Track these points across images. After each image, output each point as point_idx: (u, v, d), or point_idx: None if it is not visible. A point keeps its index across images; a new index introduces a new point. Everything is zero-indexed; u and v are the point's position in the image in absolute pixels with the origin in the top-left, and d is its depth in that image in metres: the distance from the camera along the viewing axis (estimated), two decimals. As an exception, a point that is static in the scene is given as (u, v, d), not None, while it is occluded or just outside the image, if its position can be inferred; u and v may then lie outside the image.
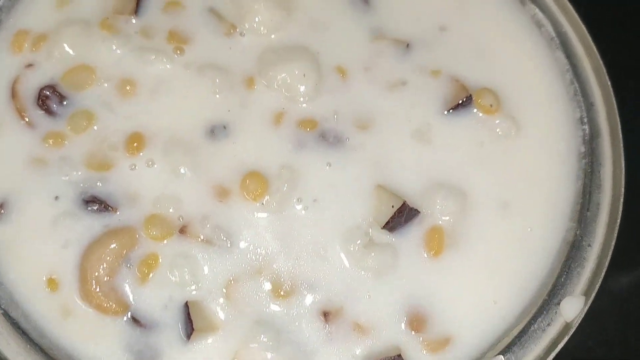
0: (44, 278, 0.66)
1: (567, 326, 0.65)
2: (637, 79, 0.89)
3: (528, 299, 0.68)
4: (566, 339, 0.64)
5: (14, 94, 0.74)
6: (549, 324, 0.66)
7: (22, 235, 0.68)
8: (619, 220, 0.69)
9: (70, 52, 0.76)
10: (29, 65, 0.76)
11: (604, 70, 0.77)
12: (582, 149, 0.75)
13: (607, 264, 0.67)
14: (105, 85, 0.75)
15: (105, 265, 0.65)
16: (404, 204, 0.68)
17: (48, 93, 0.73)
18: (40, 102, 0.73)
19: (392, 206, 0.69)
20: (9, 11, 0.79)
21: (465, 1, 0.84)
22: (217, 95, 0.75)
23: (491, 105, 0.76)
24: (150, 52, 0.77)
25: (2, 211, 0.68)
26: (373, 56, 0.80)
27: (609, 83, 0.76)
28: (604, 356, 0.80)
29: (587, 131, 0.76)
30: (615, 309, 0.85)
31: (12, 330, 0.63)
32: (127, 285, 0.66)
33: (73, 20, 0.78)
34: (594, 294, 0.66)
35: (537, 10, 0.83)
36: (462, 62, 0.80)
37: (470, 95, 0.76)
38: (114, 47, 0.76)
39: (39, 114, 0.73)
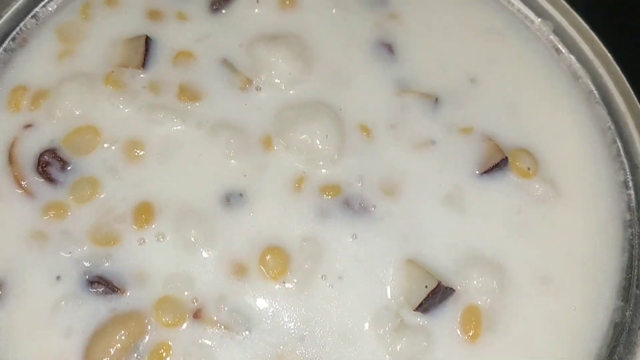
0: (45, 371, 0.61)
1: (619, 421, 0.61)
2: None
3: (575, 387, 0.64)
4: None
5: (11, 159, 0.68)
6: (599, 419, 0.61)
7: (21, 321, 0.61)
8: (671, 301, 0.64)
9: (73, 110, 0.70)
10: (28, 126, 0.70)
11: (649, 129, 0.73)
12: (628, 217, 0.70)
13: (661, 351, 0.62)
14: (111, 148, 0.69)
15: (111, 357, 0.59)
16: (439, 285, 0.62)
17: (49, 159, 0.67)
18: (40, 169, 0.67)
19: (426, 286, 0.63)
20: (6, 65, 0.73)
21: (496, 50, 0.78)
22: (232, 159, 0.69)
23: (529, 169, 0.71)
24: (160, 110, 0.71)
25: (0, 293, 0.63)
26: (399, 112, 0.74)
27: (655, 143, 0.72)
28: None
29: (632, 196, 0.70)
30: None
31: None
32: (136, 380, 0.61)
33: (76, 74, 0.72)
34: (647, 386, 0.61)
35: (573, 59, 0.78)
36: (495, 118, 0.74)
37: (506, 158, 0.70)
38: (121, 105, 0.70)
39: (38, 182, 0.67)
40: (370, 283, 0.65)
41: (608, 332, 0.65)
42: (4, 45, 0.74)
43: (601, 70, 0.76)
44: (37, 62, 0.74)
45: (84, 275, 0.63)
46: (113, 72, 0.72)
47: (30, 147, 0.69)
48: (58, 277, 0.63)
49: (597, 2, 1.05)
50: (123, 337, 0.60)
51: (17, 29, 0.75)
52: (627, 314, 0.65)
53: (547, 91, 0.76)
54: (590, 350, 0.64)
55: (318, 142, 0.70)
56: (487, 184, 0.71)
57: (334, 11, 0.79)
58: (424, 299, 0.63)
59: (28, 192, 0.66)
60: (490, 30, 0.80)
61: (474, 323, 0.64)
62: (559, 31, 0.79)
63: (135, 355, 0.60)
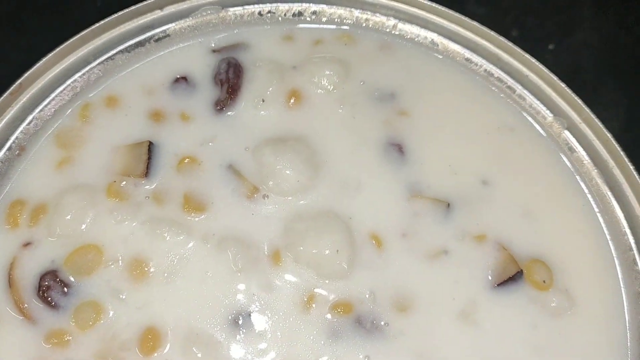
0: None
1: None
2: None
3: None
4: None
5: (11, 282, 0.69)
6: None
7: None
8: None
9: (74, 227, 0.72)
10: (27, 244, 0.71)
11: (666, 236, 0.75)
12: (646, 331, 0.74)
13: None
14: (115, 267, 0.71)
15: None
16: (457, 416, 0.66)
17: (49, 282, 0.68)
18: (41, 294, 0.68)
19: (443, 416, 0.66)
20: (3, 177, 0.75)
21: (508, 149, 0.81)
22: (240, 276, 0.71)
23: (544, 281, 0.74)
24: (164, 224, 0.73)
25: None
26: (411, 219, 0.76)
27: (673, 252, 0.75)
28: None
29: (650, 309, 0.74)
30: None
31: None
32: None
33: (76, 186, 0.75)
34: None
35: (587, 160, 0.81)
36: (508, 224, 0.77)
37: (521, 270, 0.73)
38: (125, 221, 0.72)
39: (40, 307, 0.68)
40: (385, 409, 0.67)
41: None
42: (0, 155, 0.75)
43: (615, 171, 0.79)
44: (35, 172, 0.75)
45: (89, 410, 0.65)
46: (115, 182, 0.75)
47: (30, 268, 0.70)
48: (62, 413, 0.65)
49: (599, 77, 1.10)
50: None
51: (14, 137, 0.76)
52: None
53: (560, 193, 0.79)
54: None
55: (328, 256, 0.72)
56: (501, 297, 0.73)
57: (340, 110, 0.81)
58: None
59: (29, 318, 0.68)
60: (501, 127, 0.83)
61: None
62: (572, 129, 0.82)
63: None
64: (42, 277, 0.69)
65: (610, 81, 1.15)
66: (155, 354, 0.67)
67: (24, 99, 0.77)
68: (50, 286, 0.69)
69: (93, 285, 0.70)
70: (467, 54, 0.86)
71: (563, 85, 0.82)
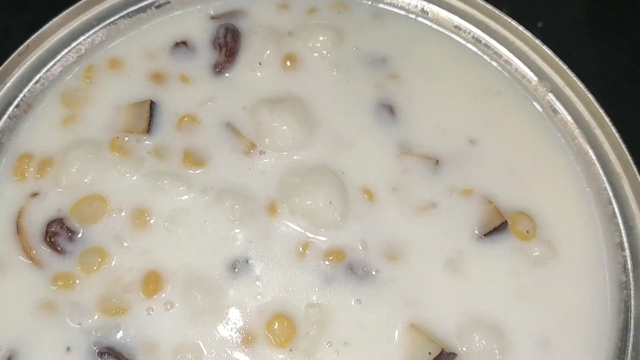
0: None
1: None
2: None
3: None
4: None
5: (19, 229, 0.75)
6: None
7: (32, 394, 0.69)
8: (666, 364, 0.72)
9: (79, 179, 0.77)
10: (34, 195, 0.77)
11: (644, 191, 0.81)
12: (623, 278, 0.78)
13: (656, 414, 0.70)
14: (118, 216, 0.76)
15: None
16: (442, 352, 0.70)
17: (56, 229, 0.74)
18: (48, 239, 0.74)
19: (429, 353, 0.71)
20: (11, 132, 0.81)
21: (494, 111, 0.87)
22: (238, 225, 0.77)
23: (527, 232, 0.79)
24: (165, 177, 0.78)
25: (11, 364, 0.70)
26: (401, 175, 0.82)
27: (650, 205, 0.80)
28: None
29: (627, 258, 0.79)
30: None
31: None
32: None
33: (80, 141, 0.80)
34: None
35: (570, 120, 0.87)
36: (494, 180, 0.83)
37: (506, 221, 0.79)
38: (127, 173, 0.78)
39: (46, 252, 0.74)
40: (374, 348, 0.73)
41: (606, 395, 0.72)
42: (8, 112, 0.81)
43: (597, 131, 0.85)
44: (41, 128, 0.81)
45: (93, 346, 0.70)
46: (118, 138, 0.80)
47: (38, 216, 0.76)
48: (68, 349, 0.70)
49: (586, 53, 1.16)
50: (135, 409, 0.67)
51: (21, 95, 0.82)
52: (623, 376, 0.73)
53: (544, 152, 0.85)
54: (589, 413, 0.72)
55: (322, 208, 0.77)
56: (487, 247, 0.78)
57: (334, 73, 0.87)
58: (428, 365, 0.70)
59: (36, 262, 0.73)
60: (488, 91, 0.88)
61: (476, 387, 0.71)
62: (556, 91, 0.87)
63: None
64: (49, 225, 0.75)
65: (597, 58, 1.20)
66: (157, 296, 0.73)
67: (31, 59, 0.83)
68: (57, 232, 0.74)
69: (97, 232, 0.76)
70: (456, 21, 0.91)
71: (548, 50, 0.88)
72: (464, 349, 0.73)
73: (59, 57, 0.84)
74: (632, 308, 0.76)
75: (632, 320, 0.76)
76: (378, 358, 0.72)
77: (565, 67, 0.87)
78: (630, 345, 0.75)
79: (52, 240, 0.74)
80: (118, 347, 0.70)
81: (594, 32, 1.24)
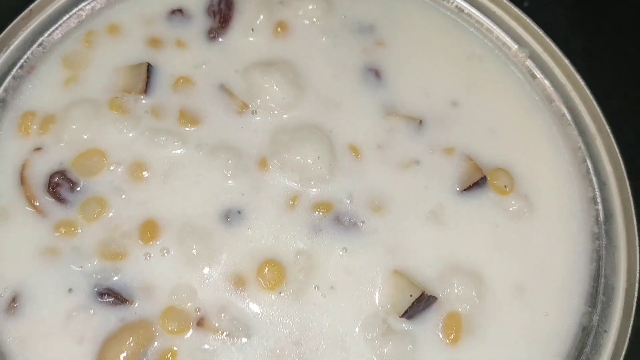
0: (60, 377, 0.73)
1: (586, 416, 0.73)
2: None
3: (546, 386, 0.76)
4: None
5: (22, 181, 0.80)
6: (568, 414, 0.74)
7: (36, 330, 0.74)
8: (634, 307, 0.77)
9: (80, 135, 0.83)
10: (37, 149, 0.82)
11: (617, 149, 0.86)
12: (595, 230, 0.84)
13: (624, 351, 0.75)
14: (117, 170, 0.81)
15: (122, 362, 0.72)
16: (423, 294, 0.75)
17: (58, 180, 0.79)
18: (51, 190, 0.79)
19: (410, 295, 0.76)
20: (15, 91, 0.86)
21: (476, 75, 0.93)
22: (230, 178, 0.82)
23: (505, 186, 0.85)
24: (161, 133, 0.84)
25: (16, 305, 0.74)
26: (386, 134, 0.88)
27: (622, 162, 0.85)
28: None
29: (600, 211, 0.85)
30: None
31: None
32: (145, 383, 0.73)
33: (81, 100, 0.86)
34: (611, 383, 0.74)
35: (547, 84, 0.92)
36: (475, 140, 0.88)
37: (485, 177, 0.84)
38: (125, 130, 0.83)
39: (49, 202, 0.79)
40: (359, 292, 0.78)
41: (577, 335, 0.78)
42: (12, 72, 0.86)
43: (573, 94, 0.90)
44: (44, 88, 0.86)
45: (94, 288, 0.75)
46: (117, 97, 0.85)
47: (41, 169, 0.81)
48: (70, 290, 0.75)
49: (570, 32, 1.22)
50: (132, 344, 0.72)
51: (25, 57, 0.87)
52: (594, 318, 0.78)
53: (523, 114, 0.91)
54: (561, 351, 0.77)
55: (310, 162, 0.83)
56: (467, 200, 0.84)
57: (324, 39, 0.92)
58: (409, 307, 0.76)
59: (40, 211, 0.79)
60: (470, 57, 0.94)
61: (454, 328, 0.77)
62: (534, 57, 0.93)
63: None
64: (52, 176, 0.80)
65: (581, 35, 1.26)
66: (153, 243, 0.78)
67: (34, 24, 0.89)
68: (59, 183, 0.79)
69: (97, 184, 0.81)
70: (440, -9, 0.97)
71: (526, 18, 0.93)
72: (444, 293, 0.78)
73: (60, 22, 0.90)
74: (603, 257, 0.82)
75: (603, 268, 0.81)
76: (362, 301, 0.77)
77: (542, 33, 0.92)
78: (601, 291, 0.80)
79: (55, 190, 0.79)
80: (117, 288, 0.75)
81: (579, 10, 1.30)
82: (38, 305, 0.75)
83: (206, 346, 0.74)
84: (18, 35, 0.87)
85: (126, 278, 0.76)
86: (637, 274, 0.78)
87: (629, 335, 0.75)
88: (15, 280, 0.76)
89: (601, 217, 0.84)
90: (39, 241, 0.78)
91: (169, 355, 0.73)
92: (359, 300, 0.78)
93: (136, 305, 0.75)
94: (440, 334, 0.77)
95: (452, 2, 0.97)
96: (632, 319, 0.75)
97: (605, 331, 0.77)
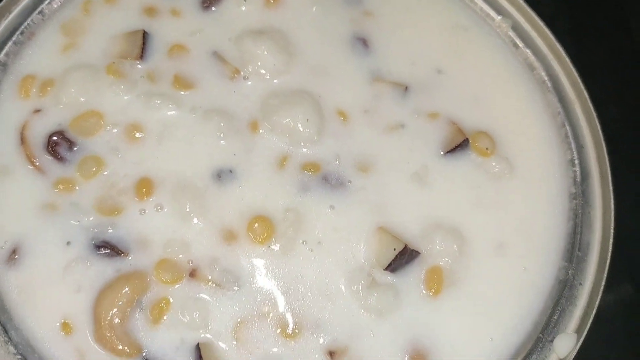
0: (59, 322, 0.76)
1: (560, 362, 0.77)
2: (626, 124, 1.03)
3: (523, 336, 0.80)
4: (560, 374, 0.76)
5: (23, 140, 0.84)
6: (543, 360, 0.78)
7: (35, 280, 0.77)
8: (608, 260, 0.80)
9: (78, 97, 0.86)
10: (37, 111, 0.86)
11: (594, 114, 0.89)
12: (573, 190, 0.88)
13: (597, 302, 0.78)
14: (113, 131, 0.85)
15: (117, 310, 0.75)
16: (406, 247, 0.79)
17: (57, 139, 0.83)
18: (50, 149, 0.83)
19: (394, 249, 0.80)
20: (16, 56, 0.89)
21: (460, 45, 0.96)
22: (223, 140, 0.86)
23: (487, 148, 0.88)
24: (157, 97, 0.87)
25: (16, 256, 0.78)
26: (373, 99, 0.91)
27: (599, 126, 0.89)
28: None
29: (577, 173, 0.88)
30: (598, 329, 0.98)
31: (30, 373, 0.73)
32: (140, 329, 0.76)
33: (79, 65, 0.89)
34: (585, 332, 0.77)
35: (529, 53, 0.96)
36: (459, 105, 0.92)
37: (467, 139, 0.88)
38: (121, 93, 0.87)
39: (48, 160, 0.83)
40: (345, 247, 0.81)
41: (553, 288, 0.82)
42: (13, 38, 0.90)
43: (554, 63, 0.94)
44: (43, 53, 0.90)
45: (91, 241, 0.79)
46: (114, 63, 0.89)
47: (40, 129, 0.85)
48: (68, 242, 0.79)
49: (564, 18, 1.25)
50: (127, 293, 0.76)
51: (25, 23, 0.91)
52: (569, 272, 0.82)
53: (505, 81, 0.94)
54: (538, 303, 0.81)
55: (300, 125, 0.86)
56: (450, 162, 0.88)
57: (314, 9, 0.96)
58: (393, 260, 0.79)
59: (39, 169, 0.82)
60: (455, 27, 0.97)
61: (436, 281, 0.80)
62: (517, 27, 0.96)
63: (139, 308, 0.76)
64: (51, 136, 0.83)
65: (568, 13, 1.29)
66: (148, 199, 0.81)
67: (33, -8, 0.92)
68: (58, 143, 0.83)
69: (95, 144, 0.84)
70: (427, -37, 1.01)
71: (509, -11, 0.97)
72: (427, 248, 0.82)
73: (59, -10, 0.94)
74: (580, 215, 0.86)
75: (579, 226, 0.85)
76: (348, 256, 0.81)
77: (524, 4, 0.96)
78: (577, 247, 0.84)
79: (54, 149, 0.82)
80: (113, 241, 0.79)
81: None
82: (37, 257, 0.79)
83: (198, 295, 0.77)
84: (19, 3, 0.91)
85: (122, 232, 0.80)
86: (612, 230, 0.82)
87: (602, 287, 0.79)
88: (15, 234, 0.79)
89: (578, 178, 0.88)
90: (38, 197, 0.81)
91: (162, 303, 0.76)
92: (344, 254, 0.81)
93: (131, 257, 0.78)
94: (422, 286, 0.81)
95: (438, -25, 1.01)
96: (605, 271, 0.79)
97: (580, 284, 0.81)
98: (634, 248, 1.06)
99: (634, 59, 1.15)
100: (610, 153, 0.87)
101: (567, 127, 0.91)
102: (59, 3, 0.93)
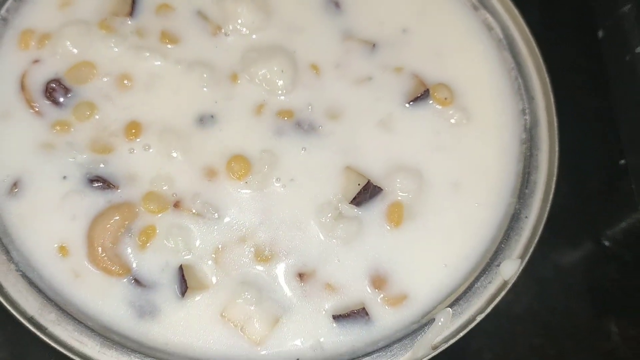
0: (56, 245, 0.84)
1: (504, 284, 0.85)
2: (570, 81, 1.13)
3: (474, 262, 0.88)
4: (503, 293, 0.84)
5: (23, 87, 0.92)
6: (490, 282, 0.86)
7: (35, 209, 0.86)
8: (551, 196, 0.89)
9: (73, 49, 0.95)
10: (36, 61, 0.94)
11: (544, 69, 0.98)
12: (523, 136, 0.96)
13: (539, 232, 0.87)
14: (105, 79, 0.93)
15: (109, 234, 0.83)
16: (369, 182, 0.88)
17: (54, 86, 0.91)
18: (48, 94, 0.91)
19: (359, 184, 0.88)
20: (15, 12, 0.97)
21: (425, 7, 1.05)
22: (205, 89, 0.94)
23: (445, 98, 0.97)
24: (145, 50, 0.95)
25: (16, 189, 0.86)
26: (343, 55, 1.00)
27: (548, 79, 0.98)
28: (547, 318, 1.03)
29: (528, 121, 0.97)
30: (560, 279, 1.07)
31: (30, 289, 0.81)
32: (129, 251, 0.84)
33: (74, 21, 0.97)
34: (527, 257, 0.86)
35: (487, 15, 1.04)
36: (422, 61, 1.01)
37: (428, 90, 0.96)
38: (112, 46, 0.95)
39: (46, 104, 0.91)
40: (315, 184, 0.90)
41: (503, 221, 0.91)
42: (13, -5, 0.98)
43: (509, 23, 1.02)
44: (41, 10, 0.98)
45: (86, 175, 0.88)
46: (106, 19, 0.97)
47: (38, 77, 0.93)
48: (64, 177, 0.87)
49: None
50: (118, 220, 0.84)
51: (24, -17, 0.98)
52: (517, 207, 0.91)
53: (465, 39, 1.03)
54: (488, 234, 0.90)
55: (276, 76, 0.95)
56: (412, 111, 0.96)
57: (290, -26, 1.04)
58: (357, 194, 0.88)
59: (38, 113, 0.91)
60: (421, -10, 1.06)
61: (396, 214, 0.89)
62: (477, -8, 1.05)
63: (128, 234, 0.85)
64: (48, 83, 0.92)
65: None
66: (137, 140, 0.90)
67: (31, -44, 1.00)
68: (55, 89, 0.91)
69: (88, 90, 0.93)
70: None
71: (471, -43, 1.05)
72: (389, 186, 0.91)
73: (56, -46, 1.01)
74: (528, 158, 0.94)
75: (527, 167, 0.94)
76: (317, 190, 0.90)
77: (484, -29, 1.05)
78: (525, 185, 0.92)
79: (51, 95, 0.91)
80: (105, 176, 0.87)
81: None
82: (36, 189, 0.87)
83: (182, 223, 0.86)
84: (18, -36, 0.99)
85: (113, 168, 0.88)
86: (555, 170, 0.91)
87: (544, 219, 0.88)
88: (16, 169, 0.88)
89: (528, 126, 0.96)
90: (37, 137, 0.90)
91: (149, 230, 0.85)
92: (314, 190, 0.90)
93: (121, 190, 0.87)
94: (384, 219, 0.89)
95: (407, -57, 1.09)
96: (548, 205, 0.88)
97: (526, 217, 0.89)
98: (596, 208, 1.16)
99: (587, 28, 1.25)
100: (557, 103, 0.96)
101: (520, 81, 0.99)
102: (56, -35, 1.02)
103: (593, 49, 1.23)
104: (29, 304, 0.80)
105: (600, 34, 1.22)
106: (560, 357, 1.09)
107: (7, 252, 0.83)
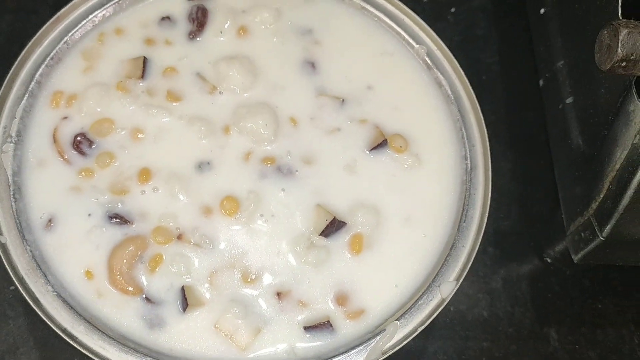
0: (83, 270, 1.04)
1: (442, 301, 1.04)
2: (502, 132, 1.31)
3: (419, 283, 1.07)
4: (441, 309, 1.03)
5: (55, 140, 1.12)
6: (431, 300, 1.04)
7: (66, 241, 1.05)
8: (483, 229, 1.08)
9: (96, 108, 1.14)
10: (65, 118, 1.14)
11: (483, 121, 1.17)
12: (464, 178, 1.14)
13: (472, 259, 1.06)
14: (122, 133, 1.13)
15: (125, 261, 1.03)
16: (334, 219, 1.06)
17: (80, 139, 1.11)
18: (75, 146, 1.11)
19: (326, 220, 1.07)
20: (47, 75, 1.17)
21: (386, 67, 1.23)
22: (203, 140, 1.13)
23: (400, 146, 1.15)
24: (154, 107, 1.15)
25: (51, 225, 1.06)
26: (317, 109, 1.18)
27: (486, 131, 1.16)
28: (495, 324, 1.23)
29: (468, 165, 1.15)
30: (507, 291, 1.27)
31: (63, 306, 1.00)
32: (141, 275, 1.04)
33: (96, 83, 1.17)
34: (461, 279, 1.05)
35: (439, 73, 1.23)
36: (382, 114, 1.19)
37: (386, 139, 1.15)
38: (127, 104, 1.15)
39: (74, 154, 1.11)
40: (292, 219, 1.09)
41: (444, 249, 1.09)
42: (45, 62, 1.17)
43: (456, 82, 1.21)
44: (68, 74, 1.17)
45: (106, 213, 1.07)
46: (121, 81, 1.16)
47: (67, 131, 1.12)
48: (89, 214, 1.07)
49: (494, 39, 1.52)
50: (132, 250, 1.04)
51: (54, 51, 1.18)
52: (455, 237, 1.09)
53: (419, 95, 1.22)
54: (431, 259, 1.09)
55: (260, 129, 1.14)
56: (373, 157, 1.15)
57: (274, 39, 1.23)
58: (325, 228, 1.07)
59: (67, 161, 1.10)
60: (383, 53, 1.24)
61: (357, 244, 1.08)
62: (430, 54, 1.23)
63: (140, 261, 1.04)
64: (75, 137, 1.11)
65: (497, 36, 1.56)
66: (148, 183, 1.09)
67: (59, 27, 1.19)
68: (81, 141, 1.11)
69: (108, 142, 1.12)
70: (362, 3, 1.28)
71: (425, 24, 1.24)
72: (352, 220, 1.09)
73: (79, 26, 1.20)
74: (467, 196, 1.12)
75: (466, 204, 1.11)
76: (293, 226, 1.08)
77: (436, 35, 1.23)
78: (464, 219, 1.11)
79: (78, 146, 1.10)
80: (122, 214, 1.07)
81: (497, 14, 1.61)
82: (67, 224, 1.06)
83: (183, 252, 1.06)
84: (49, 35, 1.18)
85: (128, 207, 1.08)
86: (487, 207, 1.10)
87: (477, 248, 1.07)
88: (50, 208, 1.07)
89: (469, 169, 1.15)
90: (67, 182, 1.09)
91: (157, 258, 1.05)
92: (291, 224, 1.08)
93: (135, 225, 1.06)
94: (348, 248, 1.08)
95: (372, 10, 1.27)
96: (480, 236, 1.07)
97: (463, 246, 1.08)
98: (540, 230, 1.37)
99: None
100: (492, 150, 1.15)
101: (463, 131, 1.17)
102: (80, 35, 1.21)
103: (534, 96, 1.44)
104: (62, 318, 1.00)
105: (541, 82, 1.41)
106: (506, 359, 1.29)
107: (44, 276, 1.03)
